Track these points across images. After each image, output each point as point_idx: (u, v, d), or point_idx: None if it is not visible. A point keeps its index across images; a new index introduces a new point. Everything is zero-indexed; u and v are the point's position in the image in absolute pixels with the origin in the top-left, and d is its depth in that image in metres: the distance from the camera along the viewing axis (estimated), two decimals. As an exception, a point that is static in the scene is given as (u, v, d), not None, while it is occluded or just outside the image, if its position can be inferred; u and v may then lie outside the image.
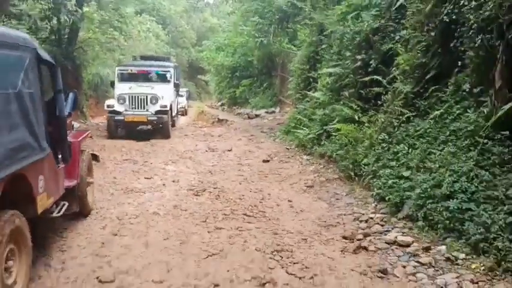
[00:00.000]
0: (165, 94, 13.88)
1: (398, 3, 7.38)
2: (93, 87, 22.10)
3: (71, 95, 5.46)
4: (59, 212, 4.93)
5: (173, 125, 15.44)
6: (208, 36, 40.22)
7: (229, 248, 4.99)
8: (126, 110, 13.11)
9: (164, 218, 6.11)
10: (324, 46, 10.34)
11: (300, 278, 4.31)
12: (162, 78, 14.80)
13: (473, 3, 5.20)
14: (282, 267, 4.53)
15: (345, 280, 4.29)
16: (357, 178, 7.10)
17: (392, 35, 7.50)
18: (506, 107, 4.56)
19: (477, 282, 3.98)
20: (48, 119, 4.70)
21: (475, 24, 5.21)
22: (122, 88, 13.78)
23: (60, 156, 5.02)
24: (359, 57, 8.00)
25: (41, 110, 4.44)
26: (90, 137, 9.13)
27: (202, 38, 44.08)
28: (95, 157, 6.99)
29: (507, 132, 4.80)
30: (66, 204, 5.23)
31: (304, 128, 9.95)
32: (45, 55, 4.69)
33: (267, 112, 17.68)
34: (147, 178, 8.63)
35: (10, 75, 3.78)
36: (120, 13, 19.63)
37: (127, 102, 13.22)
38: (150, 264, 4.55)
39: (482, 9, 5.01)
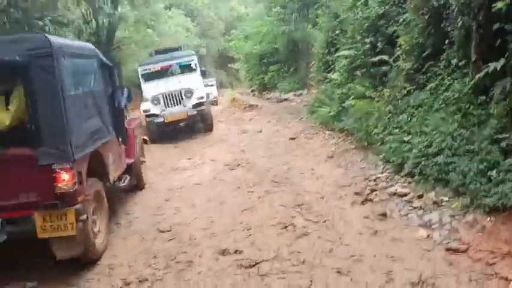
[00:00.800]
0: (195, 84, 13.28)
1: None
2: (131, 83, 23.66)
3: (125, 90, 6.73)
4: (123, 182, 6.26)
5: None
6: (236, 26, 41.17)
7: (258, 205, 6.21)
8: (163, 111, 12.54)
9: (205, 187, 7.37)
10: (338, 32, 11.35)
11: (315, 222, 5.47)
12: (188, 68, 13.98)
13: (455, -11, 6.14)
14: (301, 216, 5.70)
15: (351, 222, 5.42)
16: (369, 146, 8.13)
17: (395, 18, 8.45)
18: (479, 75, 5.53)
19: (454, 216, 5.03)
20: (110, 109, 5.99)
21: (456, 8, 6.16)
22: (150, 88, 13.19)
23: (120, 139, 6.32)
24: (367, 40, 9.00)
25: (106, 103, 5.73)
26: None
27: (231, 27, 45.07)
28: (145, 141, 8.34)
29: (484, 97, 5.76)
30: (128, 177, 6.57)
31: (326, 107, 11.01)
32: (104, 59, 5.97)
33: (294, 95, 18.72)
34: (189, 159, 9.92)
35: (88, 77, 5.07)
36: (152, 11, 20.99)
37: (162, 102, 12.61)
38: (197, 219, 5.81)
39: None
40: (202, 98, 12.83)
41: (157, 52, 15.54)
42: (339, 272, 4.18)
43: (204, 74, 14.68)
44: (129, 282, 4.32)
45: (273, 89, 20.97)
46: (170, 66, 13.97)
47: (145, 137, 8.66)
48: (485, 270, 3.93)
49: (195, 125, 13.82)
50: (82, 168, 4.51)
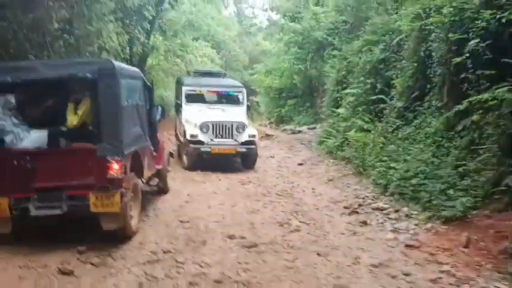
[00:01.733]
0: (245, 119, 12.10)
1: (395, 41, 9.70)
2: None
3: (159, 108, 8.15)
4: (153, 182, 7.62)
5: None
6: (260, 59, 42.97)
7: (263, 209, 7.50)
8: (211, 141, 11.22)
9: (220, 194, 8.68)
10: (346, 72, 12.77)
11: (307, 223, 6.73)
12: (234, 100, 12.88)
13: (436, 45, 7.52)
14: (297, 219, 6.97)
15: (336, 226, 6.67)
16: (363, 172, 9.38)
17: (393, 64, 9.83)
18: (447, 114, 6.83)
19: (417, 224, 6.25)
20: (148, 122, 7.39)
21: (436, 59, 7.52)
22: (192, 111, 11.99)
23: (153, 147, 7.69)
24: (369, 81, 10.39)
25: (145, 116, 7.15)
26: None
27: (254, 60, 46.89)
28: (171, 154, 9.73)
29: (452, 132, 7.04)
30: (157, 180, 7.94)
31: (332, 138, 12.33)
32: (146, 81, 7.43)
33: (308, 128, 20.05)
34: (206, 175, 11.26)
35: (135, 94, 6.50)
36: (181, 43, 22.81)
37: (211, 131, 11.25)
38: (211, 215, 7.10)
39: (439, 50, 7.33)
40: (254, 136, 11.47)
41: (197, 73, 14.58)
42: (318, 254, 5.43)
43: (249, 109, 13.57)
44: (156, 253, 5.59)
45: (289, 122, 22.35)
46: (218, 93, 13.10)
47: (171, 151, 10.10)
48: (428, 258, 5.16)
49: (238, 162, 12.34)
50: (127, 163, 5.87)
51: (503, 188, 5.39)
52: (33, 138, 5.91)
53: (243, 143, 11.29)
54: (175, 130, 14.01)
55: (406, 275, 4.82)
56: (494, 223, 5.19)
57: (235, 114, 11.99)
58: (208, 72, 15.32)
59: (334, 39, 14.22)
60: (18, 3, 8.37)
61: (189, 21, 29.69)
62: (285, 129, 21.58)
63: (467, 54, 6.37)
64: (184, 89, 12.56)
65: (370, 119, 10.27)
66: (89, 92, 5.81)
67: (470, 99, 6.07)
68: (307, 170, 11.47)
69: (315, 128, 19.84)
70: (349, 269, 5.04)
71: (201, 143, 11.15)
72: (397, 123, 8.85)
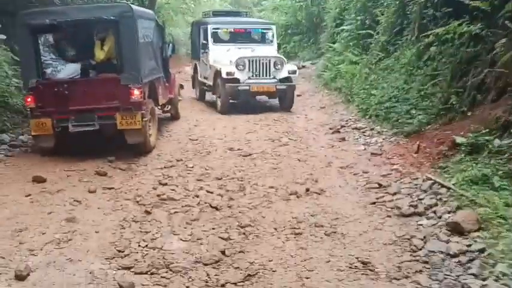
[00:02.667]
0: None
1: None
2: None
3: (171, 44, 9.37)
4: (167, 109, 9.00)
5: None
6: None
7: (259, 130, 8.91)
8: (249, 78, 10.58)
9: (223, 120, 10.05)
10: (339, 10, 13.74)
11: (294, 140, 8.11)
12: (262, 38, 12.17)
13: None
14: (287, 137, 8.34)
15: (319, 141, 8.04)
16: (351, 99, 10.61)
17: (379, 2, 10.81)
18: (417, 46, 7.98)
19: (385, 139, 7.58)
20: (161, 57, 8.66)
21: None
22: (220, 51, 11.33)
23: (165, 78, 8.99)
24: (359, 17, 11.42)
25: (159, 52, 8.41)
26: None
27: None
28: (181, 86, 11.06)
29: (421, 62, 8.19)
30: (170, 107, 9.32)
31: (328, 71, 13.46)
32: (159, 21, 8.63)
33: (311, 63, 21.02)
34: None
35: (150, 32, 7.74)
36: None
37: (247, 69, 10.59)
38: (215, 134, 8.52)
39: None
40: (294, 72, 10.88)
41: (217, 13, 13.38)
42: (299, 160, 6.85)
43: (279, 48, 12.85)
44: (171, 161, 7.04)
45: (295, 57, 23.27)
46: (246, 31, 12.15)
47: (182, 83, 11.46)
48: (385, 161, 6.55)
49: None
50: (145, 90, 7.21)
51: (449, 106, 6.64)
52: (69, 70, 7.25)
53: (282, 80, 10.69)
54: (193, 77, 13.66)
55: (365, 172, 6.22)
56: (439, 133, 6.47)
57: (267, 52, 11.23)
58: (228, 11, 14.36)
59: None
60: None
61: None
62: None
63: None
64: (210, 27, 11.70)
65: (359, 52, 11.40)
66: (112, 31, 7.05)
67: (428, 32, 7.21)
68: (304, 100, 12.71)
69: (317, 62, 20.82)
70: (321, 170, 6.45)
71: (238, 81, 10.47)
72: (380, 56, 9.99)
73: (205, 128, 9.14)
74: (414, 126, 7.15)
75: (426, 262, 3.84)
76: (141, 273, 3.81)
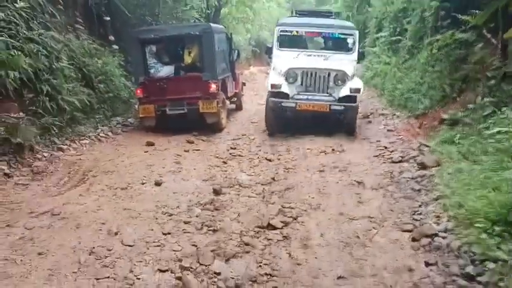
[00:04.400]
0: (351, 69, 9.44)
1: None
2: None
3: (236, 51, 12.07)
4: (233, 100, 11.73)
5: None
6: (325, 2, 45.14)
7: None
8: (298, 93, 9.14)
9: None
10: (379, 18, 16.00)
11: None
12: (342, 45, 10.19)
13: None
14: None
15: (350, 124, 10.43)
16: (383, 93, 12.91)
17: (408, 13, 13.03)
18: (428, 51, 10.20)
19: (400, 120, 9.88)
20: (229, 60, 11.38)
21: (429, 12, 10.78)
22: (286, 57, 9.77)
23: (232, 77, 11.69)
24: (391, 26, 13.67)
25: (228, 56, 11.14)
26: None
27: (321, 3, 49.10)
28: (243, 83, 13.78)
29: (432, 62, 10.39)
30: (235, 99, 12.05)
31: (368, 71, 15.76)
32: (228, 33, 11.36)
33: (363, 65, 23.31)
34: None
35: (222, 42, 10.48)
36: (249, -4, 26.37)
37: (299, 81, 9.14)
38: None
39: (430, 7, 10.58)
40: (358, 90, 8.99)
41: (300, 12, 11.43)
42: (330, 135, 9.27)
43: (363, 57, 10.97)
44: (238, 135, 9.70)
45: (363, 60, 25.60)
46: (320, 34, 10.47)
47: (245, 81, 14.20)
48: (394, 134, 8.90)
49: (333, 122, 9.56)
50: (219, 84, 9.91)
51: (445, 94, 8.87)
52: (166, 70, 10.10)
53: (340, 99, 8.93)
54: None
55: (378, 141, 8.59)
56: (436, 114, 8.72)
57: (341, 62, 9.48)
58: (313, 11, 13.02)
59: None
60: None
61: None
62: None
63: (434, 11, 9.74)
64: (276, 29, 10.25)
65: (391, 55, 13.66)
66: (196, 42, 9.81)
67: (432, 38, 9.49)
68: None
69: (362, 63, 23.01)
70: (347, 139, 8.87)
71: (285, 96, 9.00)
72: (406, 57, 12.22)
73: (260, 116, 11.75)
74: (421, 109, 9.43)
75: (397, 182, 6.25)
76: (224, 187, 6.43)
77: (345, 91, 8.98)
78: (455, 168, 5.80)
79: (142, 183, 6.54)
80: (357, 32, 10.35)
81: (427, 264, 4.07)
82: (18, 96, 7.69)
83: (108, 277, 4.11)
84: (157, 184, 6.44)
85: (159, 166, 7.33)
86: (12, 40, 7.24)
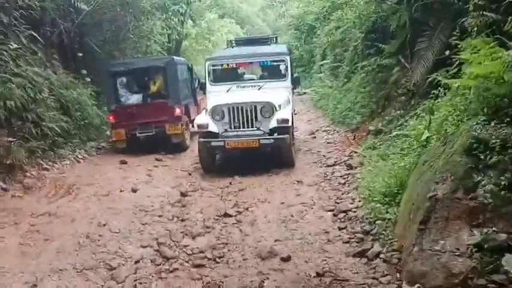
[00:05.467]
0: (280, 97, 9.10)
1: (345, 27, 14.79)
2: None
3: (197, 80, 13.58)
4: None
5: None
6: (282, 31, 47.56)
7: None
8: (226, 131, 8.70)
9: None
10: (323, 48, 17.99)
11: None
12: (275, 72, 10.08)
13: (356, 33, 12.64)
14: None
15: (301, 138, 12.04)
16: (326, 113, 14.66)
17: (345, 42, 14.92)
18: (361, 73, 12.01)
19: (339, 134, 11.56)
20: (191, 88, 12.89)
21: (357, 42, 12.65)
22: (217, 94, 9.55)
23: (194, 103, 13.16)
24: (332, 54, 15.59)
25: (190, 84, 12.66)
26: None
27: (275, 33, 51.55)
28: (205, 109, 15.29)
29: (366, 85, 12.18)
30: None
31: (315, 95, 17.59)
32: (189, 64, 12.89)
33: (312, 90, 25.24)
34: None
35: (184, 72, 12.01)
36: (208, 27, 28.17)
37: (226, 118, 8.68)
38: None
39: (357, 37, 12.45)
40: (286, 121, 8.63)
41: (238, 41, 11.58)
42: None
43: (297, 82, 10.53)
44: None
45: (299, 86, 27.54)
46: (252, 64, 10.54)
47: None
48: (332, 145, 10.51)
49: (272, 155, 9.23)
50: (183, 109, 11.36)
51: (372, 110, 10.62)
52: (135, 98, 11.50)
53: (271, 131, 8.59)
54: None
55: (319, 151, 10.17)
56: (365, 127, 10.42)
57: (273, 91, 9.29)
58: (251, 39, 12.71)
59: (319, 23, 19.19)
60: (108, 21, 13.94)
61: (215, 0, 34.68)
62: (294, 92, 26.88)
63: (361, 41, 11.59)
64: (207, 64, 10.10)
65: (333, 79, 15.51)
66: (161, 73, 11.28)
67: (360, 64, 11.31)
68: (298, 116, 16.69)
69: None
70: (296, 141, 10.44)
71: (213, 135, 8.67)
72: (344, 81, 14.06)
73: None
74: (355, 124, 11.15)
75: (329, 179, 7.81)
76: (189, 191, 7.83)
77: (273, 123, 8.56)
78: (372, 166, 7.41)
79: (121, 191, 7.88)
80: (288, 57, 9.93)
81: (339, 228, 5.61)
82: (8, 123, 8.91)
83: (103, 252, 5.45)
84: (134, 191, 7.80)
85: (133, 178, 8.68)
86: (3, 75, 8.51)
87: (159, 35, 19.03)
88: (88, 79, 12.65)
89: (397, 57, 10.05)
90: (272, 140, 8.59)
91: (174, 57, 11.55)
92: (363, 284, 4.20)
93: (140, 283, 4.69)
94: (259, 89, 9.66)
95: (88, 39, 13.34)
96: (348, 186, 7.22)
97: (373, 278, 4.28)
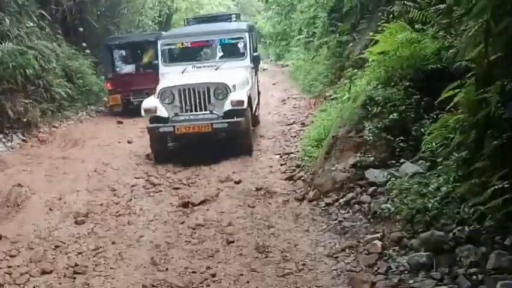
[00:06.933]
0: (237, 78, 8.49)
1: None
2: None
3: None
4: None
5: (254, 124, 9.55)
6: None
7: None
8: (176, 115, 8.09)
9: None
10: (300, 24, 19.87)
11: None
12: (234, 51, 9.59)
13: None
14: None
15: (272, 104, 13.98)
16: (298, 83, 16.58)
17: (317, 19, 16.74)
18: (327, 46, 13.91)
19: (305, 100, 13.52)
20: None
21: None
22: (170, 75, 8.95)
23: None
24: (307, 29, 17.42)
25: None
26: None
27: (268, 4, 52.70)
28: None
29: (329, 57, 14.08)
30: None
31: (293, 66, 19.47)
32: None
33: (293, 63, 27.06)
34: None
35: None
36: (198, 2, 29.70)
37: (177, 101, 8.07)
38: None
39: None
40: (241, 102, 8.01)
41: (195, 19, 11.53)
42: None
43: (257, 61, 9.67)
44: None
45: (282, 59, 29.32)
46: (208, 42, 9.69)
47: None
48: (297, 109, 12.49)
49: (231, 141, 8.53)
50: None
51: (329, 79, 12.54)
52: (129, 68, 13.35)
53: (225, 114, 7.98)
54: None
55: (285, 114, 12.09)
56: (325, 93, 12.36)
57: (232, 72, 8.68)
58: (209, 16, 12.13)
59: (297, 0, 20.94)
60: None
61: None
62: (277, 65, 28.71)
63: (325, 20, 13.44)
64: (159, 44, 9.46)
65: (306, 52, 17.38)
66: (152, 46, 13.08)
67: (326, 39, 13.20)
68: (275, 86, 18.67)
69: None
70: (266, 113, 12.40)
71: (163, 119, 8.05)
72: (314, 54, 15.93)
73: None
74: (317, 92, 13.09)
75: (285, 134, 9.78)
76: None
77: (227, 106, 7.93)
78: (318, 123, 9.40)
79: (119, 142, 9.87)
80: (247, 34, 9.21)
81: (281, 164, 7.63)
82: (23, 88, 10.78)
83: (107, 180, 7.44)
84: (129, 142, 9.78)
85: (129, 133, 10.63)
86: (21, 48, 10.34)
87: (150, 9, 20.63)
88: (88, 51, 14.44)
89: (352, 34, 11.95)
90: (226, 124, 7.87)
91: (163, 32, 13.32)
92: (286, 193, 6.24)
93: (135, 198, 6.68)
94: (216, 70, 8.92)
95: (87, 15, 15.06)
96: (297, 138, 9.22)
97: (293, 191, 6.31)
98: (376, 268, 3.86)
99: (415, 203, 4.15)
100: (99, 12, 16.19)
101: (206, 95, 8.03)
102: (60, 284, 4.21)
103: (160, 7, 22.76)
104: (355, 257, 4.16)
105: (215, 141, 8.38)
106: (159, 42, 9.46)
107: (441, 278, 3.41)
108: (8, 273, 4.41)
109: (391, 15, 8.60)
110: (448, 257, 3.56)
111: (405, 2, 8.07)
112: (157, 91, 8.29)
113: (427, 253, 3.65)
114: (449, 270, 3.47)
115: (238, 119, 7.90)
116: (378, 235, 4.30)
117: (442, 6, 6.69)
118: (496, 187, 3.30)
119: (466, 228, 3.60)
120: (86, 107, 13.26)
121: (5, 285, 4.21)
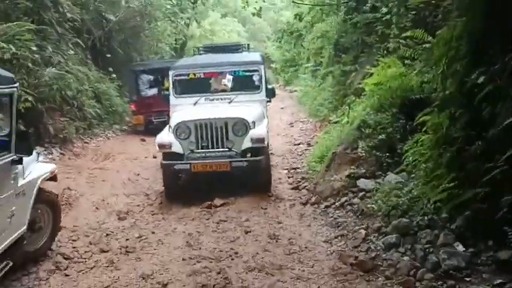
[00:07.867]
0: (255, 114, 8.03)
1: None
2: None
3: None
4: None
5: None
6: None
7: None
8: (192, 152, 7.55)
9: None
10: (307, 52, 21.28)
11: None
12: (248, 83, 8.85)
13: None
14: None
15: (281, 126, 15.29)
16: (306, 108, 17.90)
17: (324, 48, 18.14)
18: (332, 75, 15.23)
19: (311, 123, 14.81)
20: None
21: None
22: (183, 108, 8.53)
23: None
24: (314, 59, 18.81)
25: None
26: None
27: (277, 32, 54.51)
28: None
29: (334, 85, 15.43)
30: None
31: (300, 92, 20.85)
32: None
33: (300, 88, 28.48)
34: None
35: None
36: (211, 29, 31.39)
37: (192, 136, 7.54)
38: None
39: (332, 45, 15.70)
40: (262, 140, 7.55)
41: (206, 48, 10.90)
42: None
43: (271, 94, 9.23)
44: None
45: (290, 84, 30.80)
46: (221, 74, 8.85)
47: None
48: (304, 131, 13.79)
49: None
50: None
51: (335, 105, 13.84)
52: (151, 91, 14.76)
53: (244, 152, 7.56)
54: None
55: (292, 136, 13.40)
56: (329, 117, 13.64)
57: (245, 105, 8.30)
58: (220, 46, 11.31)
59: (305, 31, 22.38)
60: (129, 28, 17.22)
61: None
62: (286, 89, 30.17)
63: (331, 51, 14.81)
64: (170, 74, 9.11)
65: (312, 79, 18.76)
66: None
67: (332, 68, 14.55)
68: (283, 110, 20.03)
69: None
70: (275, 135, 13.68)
71: (178, 157, 7.60)
72: (321, 82, 17.30)
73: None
74: (322, 116, 14.39)
75: (293, 153, 11.05)
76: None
77: (247, 143, 7.47)
78: (321, 144, 10.68)
79: (145, 157, 11.17)
80: (262, 67, 8.88)
81: (288, 177, 8.88)
82: (60, 107, 12.16)
83: (140, 187, 8.71)
84: (154, 157, 11.02)
85: (152, 150, 11.78)
86: (62, 72, 11.75)
87: (168, 36, 22.19)
88: (114, 75, 15.89)
89: (355, 65, 13.31)
90: (245, 163, 7.40)
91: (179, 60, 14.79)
92: (292, 199, 7.48)
93: (165, 201, 7.94)
94: (229, 103, 8.49)
95: (113, 43, 16.58)
96: (303, 156, 10.49)
97: (298, 197, 7.55)
98: (359, 248, 5.10)
99: (392, 201, 5.39)
100: (123, 39, 17.72)
101: (224, 131, 7.51)
102: (118, 259, 5.43)
103: (177, 35, 24.30)
104: (345, 242, 5.40)
105: (232, 178, 7.91)
106: (171, 73, 9.04)
107: (405, 251, 4.66)
108: (75, 251, 5.65)
109: (386, 51, 9.98)
110: (412, 238, 4.80)
111: (399, 40, 9.41)
112: (172, 125, 7.72)
113: (396, 235, 4.88)
114: (412, 247, 4.71)
115: (259, 158, 7.45)
116: (363, 226, 5.55)
117: (428, 45, 8.04)
118: (446, 187, 4.54)
119: (426, 218, 4.83)
120: (111, 126, 14.61)
121: (74, 259, 5.45)
